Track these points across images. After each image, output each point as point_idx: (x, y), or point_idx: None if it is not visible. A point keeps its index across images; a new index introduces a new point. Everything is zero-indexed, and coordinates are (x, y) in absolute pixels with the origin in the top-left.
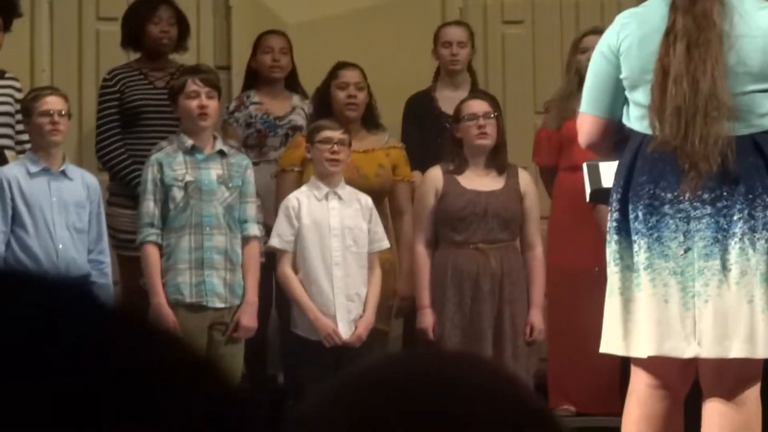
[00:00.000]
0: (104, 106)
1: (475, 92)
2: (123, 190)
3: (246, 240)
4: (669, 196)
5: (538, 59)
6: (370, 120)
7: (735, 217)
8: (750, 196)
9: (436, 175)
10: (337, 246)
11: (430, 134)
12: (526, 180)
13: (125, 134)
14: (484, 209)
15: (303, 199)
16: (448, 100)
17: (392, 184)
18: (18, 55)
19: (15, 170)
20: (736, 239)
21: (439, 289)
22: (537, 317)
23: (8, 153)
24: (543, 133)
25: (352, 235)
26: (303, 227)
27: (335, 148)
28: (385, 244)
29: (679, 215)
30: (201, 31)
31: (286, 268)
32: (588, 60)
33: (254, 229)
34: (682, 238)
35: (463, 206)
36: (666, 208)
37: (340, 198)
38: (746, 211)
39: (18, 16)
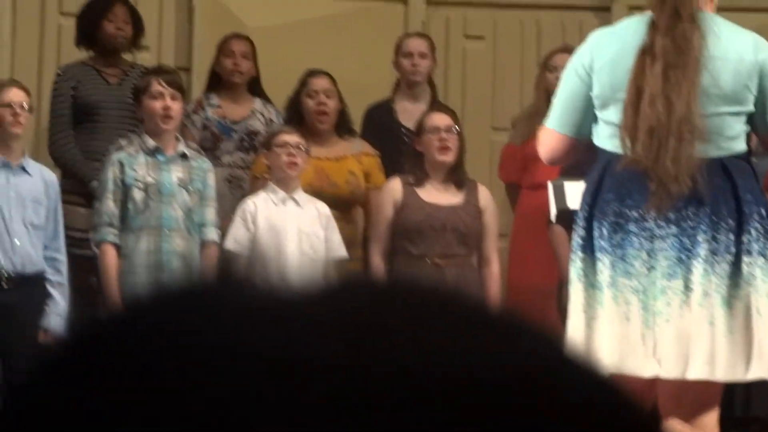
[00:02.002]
0: (57, 101)
1: (437, 105)
2: (76, 188)
3: (204, 244)
4: (635, 214)
5: (498, 75)
6: (342, 127)
7: (699, 238)
8: (714, 218)
9: (395, 186)
10: (294, 251)
11: (388, 145)
12: (485, 196)
13: (78, 131)
14: (442, 223)
15: (260, 204)
16: (407, 111)
17: (365, 192)
18: None
19: None
20: (700, 260)
21: None
22: None
23: None
24: (509, 149)
25: (309, 241)
26: (259, 231)
27: (292, 151)
28: (342, 253)
29: (644, 234)
30: (163, 30)
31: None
32: (557, 79)
33: (213, 234)
34: (645, 257)
35: (421, 219)
36: (631, 226)
37: (297, 203)
38: (710, 234)
39: None
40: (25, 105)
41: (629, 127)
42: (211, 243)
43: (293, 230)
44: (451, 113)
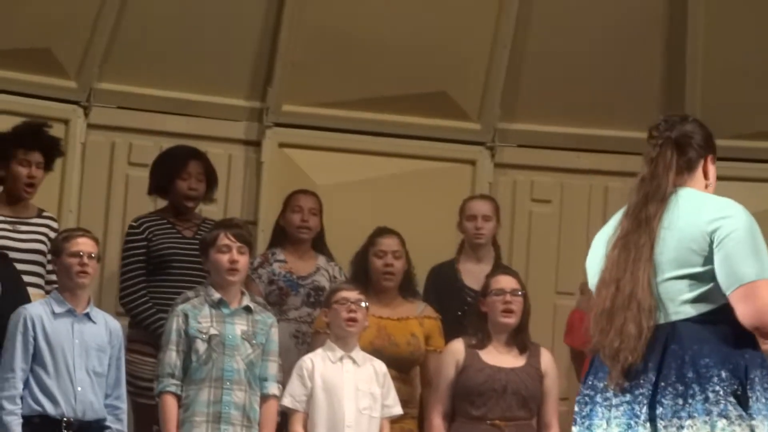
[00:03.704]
0: (130, 253)
1: (502, 268)
2: (143, 337)
3: (265, 398)
4: (600, 385)
5: (564, 240)
6: (406, 288)
7: (644, 403)
8: (662, 384)
9: (457, 347)
10: (350, 408)
11: (451, 305)
12: (547, 359)
13: (150, 281)
14: (503, 386)
15: (317, 361)
16: (471, 273)
17: (424, 354)
18: (47, 194)
19: (39, 309)
20: (647, 425)
21: None
22: None
23: (33, 291)
24: (576, 314)
25: (365, 399)
26: (316, 388)
27: (352, 307)
28: (397, 410)
29: (605, 403)
30: (231, 184)
31: (297, 428)
32: None
33: (274, 388)
34: (605, 425)
35: (482, 381)
36: (597, 397)
37: (354, 361)
38: (657, 398)
39: (61, 155)
40: (94, 255)
41: (592, 312)
42: (271, 397)
43: (350, 388)
44: (516, 276)
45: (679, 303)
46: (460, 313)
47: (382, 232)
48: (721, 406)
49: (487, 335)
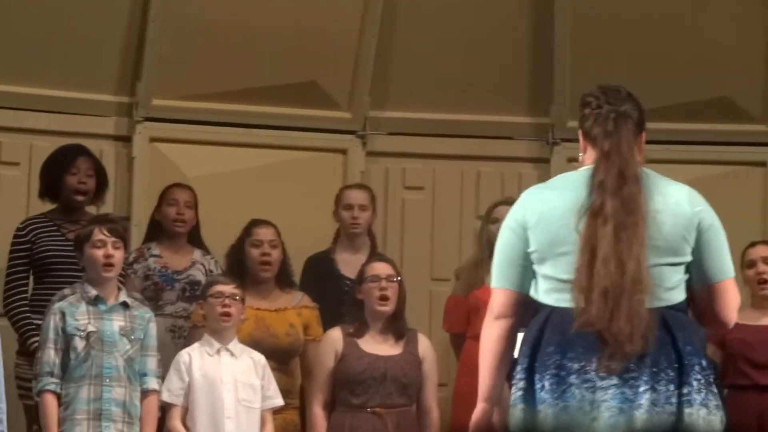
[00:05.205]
0: (13, 256)
1: (377, 255)
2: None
3: (145, 393)
4: (576, 366)
5: (437, 226)
6: (283, 279)
7: (641, 389)
8: (654, 369)
9: (335, 336)
10: (230, 399)
11: (328, 295)
12: (424, 345)
13: (36, 284)
14: (382, 373)
15: (195, 355)
16: (347, 262)
17: (303, 344)
18: None
19: None
20: (641, 410)
21: None
22: None
23: None
24: (452, 300)
25: (245, 390)
26: (194, 382)
27: (226, 302)
28: (278, 401)
29: (585, 385)
30: None
31: (175, 423)
32: (499, 230)
33: (153, 383)
34: (588, 408)
35: (361, 369)
36: (572, 378)
37: (231, 354)
38: (650, 384)
39: None
40: None
41: (584, 289)
42: (151, 392)
43: (229, 379)
44: (391, 263)
45: (665, 289)
46: (337, 302)
47: (257, 222)
48: (702, 395)
49: (364, 323)
